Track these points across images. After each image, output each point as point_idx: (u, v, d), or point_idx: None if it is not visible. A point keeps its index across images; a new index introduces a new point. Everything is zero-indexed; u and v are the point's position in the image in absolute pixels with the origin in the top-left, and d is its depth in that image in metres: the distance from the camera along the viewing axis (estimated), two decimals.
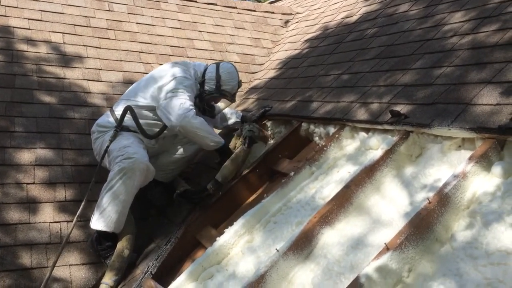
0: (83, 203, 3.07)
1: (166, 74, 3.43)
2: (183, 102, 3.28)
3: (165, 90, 3.33)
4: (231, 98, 3.62)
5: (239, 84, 3.63)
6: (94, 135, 3.44)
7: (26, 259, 2.97)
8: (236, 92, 3.66)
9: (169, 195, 3.54)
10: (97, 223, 3.09)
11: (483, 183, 2.06)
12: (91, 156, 3.55)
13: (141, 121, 3.35)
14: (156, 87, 3.38)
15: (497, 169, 2.04)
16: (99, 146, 3.36)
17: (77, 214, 3.04)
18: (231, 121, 3.86)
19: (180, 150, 3.59)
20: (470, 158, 2.10)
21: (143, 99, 3.40)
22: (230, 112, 3.87)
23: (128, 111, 3.32)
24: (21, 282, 2.87)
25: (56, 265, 2.99)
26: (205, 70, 3.57)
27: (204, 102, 3.56)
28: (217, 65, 3.58)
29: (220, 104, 3.70)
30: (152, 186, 3.50)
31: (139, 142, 3.34)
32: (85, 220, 3.20)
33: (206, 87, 3.53)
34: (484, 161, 2.08)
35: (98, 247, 3.13)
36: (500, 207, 1.91)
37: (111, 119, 3.38)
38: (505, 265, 1.71)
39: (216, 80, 3.51)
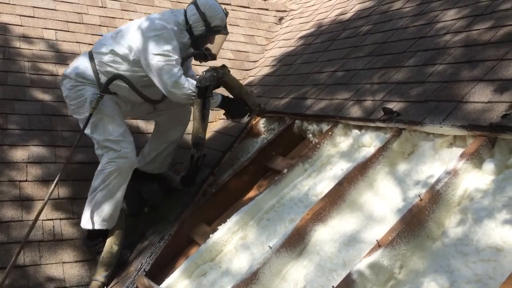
0: (56, 180, 2.93)
1: (148, 27, 3.10)
2: (170, 68, 3.02)
3: (150, 51, 3.03)
4: (225, 30, 3.35)
5: (225, 12, 3.32)
6: (71, 82, 3.13)
7: (19, 256, 2.96)
8: (226, 21, 3.35)
9: (164, 192, 3.56)
10: (91, 222, 3.07)
11: (474, 180, 2.07)
12: (84, 153, 3.53)
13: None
14: (138, 40, 3.08)
15: (488, 167, 2.06)
16: (78, 98, 3.11)
17: (50, 190, 2.89)
18: None
19: (165, 138, 3.54)
20: (462, 156, 2.12)
21: (124, 49, 3.12)
22: None
23: (121, 80, 3.07)
24: (14, 280, 2.86)
25: (49, 262, 3.00)
26: (185, 16, 3.25)
27: (201, 48, 3.33)
28: (195, 4, 3.26)
29: (217, 41, 3.46)
30: (148, 184, 3.50)
31: (119, 111, 3.19)
32: (78, 217, 3.19)
33: (196, 32, 3.24)
34: (475, 158, 2.10)
35: (90, 243, 3.13)
36: (491, 204, 1.93)
37: (91, 72, 3.12)
38: (495, 262, 1.73)
39: (203, 19, 3.21)
